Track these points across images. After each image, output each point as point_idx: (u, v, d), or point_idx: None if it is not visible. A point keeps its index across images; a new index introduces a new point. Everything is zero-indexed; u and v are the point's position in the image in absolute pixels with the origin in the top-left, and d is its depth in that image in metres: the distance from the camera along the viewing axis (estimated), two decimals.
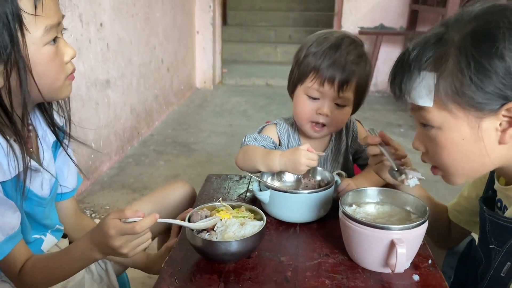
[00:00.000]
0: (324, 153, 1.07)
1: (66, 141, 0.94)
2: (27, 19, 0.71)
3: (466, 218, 1.00)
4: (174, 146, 3.13)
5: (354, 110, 1.13)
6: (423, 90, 0.70)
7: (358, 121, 1.23)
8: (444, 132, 0.72)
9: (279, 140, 1.16)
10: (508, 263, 0.77)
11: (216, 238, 0.81)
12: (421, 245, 0.83)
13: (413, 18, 4.37)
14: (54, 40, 0.77)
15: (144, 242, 0.77)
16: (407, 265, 0.80)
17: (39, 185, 0.88)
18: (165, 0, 3.61)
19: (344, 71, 1.02)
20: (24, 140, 0.80)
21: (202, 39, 4.70)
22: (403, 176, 0.85)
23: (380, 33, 4.29)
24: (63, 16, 0.80)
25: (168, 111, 3.86)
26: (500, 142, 0.70)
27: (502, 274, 0.79)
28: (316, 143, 1.15)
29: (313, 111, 1.07)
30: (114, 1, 2.61)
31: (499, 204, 0.85)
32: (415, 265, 0.82)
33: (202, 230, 0.84)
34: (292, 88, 1.12)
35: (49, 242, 0.97)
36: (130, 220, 0.74)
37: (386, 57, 4.56)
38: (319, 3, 6.48)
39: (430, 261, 0.83)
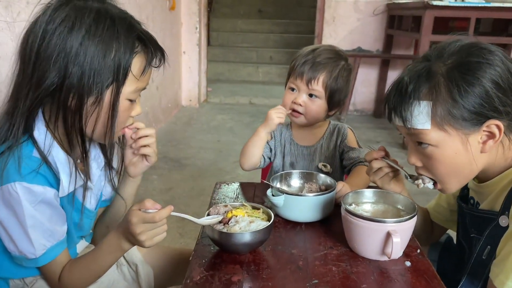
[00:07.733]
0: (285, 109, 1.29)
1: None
2: (130, 77, 0.87)
3: (445, 217, 1.16)
4: (166, 162, 3.23)
5: (331, 108, 1.33)
6: (423, 117, 0.87)
7: (350, 128, 1.41)
8: (440, 149, 0.89)
9: (271, 136, 1.40)
10: (488, 246, 0.93)
11: (227, 231, 0.94)
12: (410, 238, 0.98)
13: (389, 41, 4.64)
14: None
15: (161, 233, 0.86)
16: (400, 253, 0.95)
17: (88, 200, 0.99)
18: (155, 23, 3.76)
19: (311, 68, 1.27)
20: (87, 162, 0.92)
21: (188, 59, 4.86)
22: (420, 181, 0.97)
23: (358, 55, 4.53)
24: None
25: (157, 128, 3.96)
26: (482, 151, 0.88)
27: (483, 257, 0.94)
28: (309, 136, 1.39)
29: (291, 100, 1.31)
30: None
31: (471, 201, 1.02)
32: (406, 254, 0.96)
33: (219, 223, 0.97)
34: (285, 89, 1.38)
35: (82, 246, 1.07)
36: (149, 210, 0.84)
37: (364, 78, 4.82)
38: (299, 27, 6.71)
39: (418, 251, 0.98)
